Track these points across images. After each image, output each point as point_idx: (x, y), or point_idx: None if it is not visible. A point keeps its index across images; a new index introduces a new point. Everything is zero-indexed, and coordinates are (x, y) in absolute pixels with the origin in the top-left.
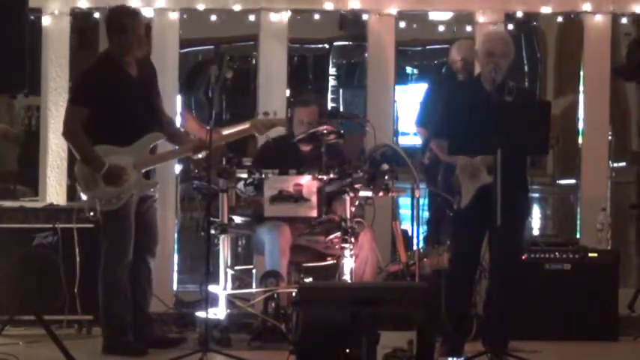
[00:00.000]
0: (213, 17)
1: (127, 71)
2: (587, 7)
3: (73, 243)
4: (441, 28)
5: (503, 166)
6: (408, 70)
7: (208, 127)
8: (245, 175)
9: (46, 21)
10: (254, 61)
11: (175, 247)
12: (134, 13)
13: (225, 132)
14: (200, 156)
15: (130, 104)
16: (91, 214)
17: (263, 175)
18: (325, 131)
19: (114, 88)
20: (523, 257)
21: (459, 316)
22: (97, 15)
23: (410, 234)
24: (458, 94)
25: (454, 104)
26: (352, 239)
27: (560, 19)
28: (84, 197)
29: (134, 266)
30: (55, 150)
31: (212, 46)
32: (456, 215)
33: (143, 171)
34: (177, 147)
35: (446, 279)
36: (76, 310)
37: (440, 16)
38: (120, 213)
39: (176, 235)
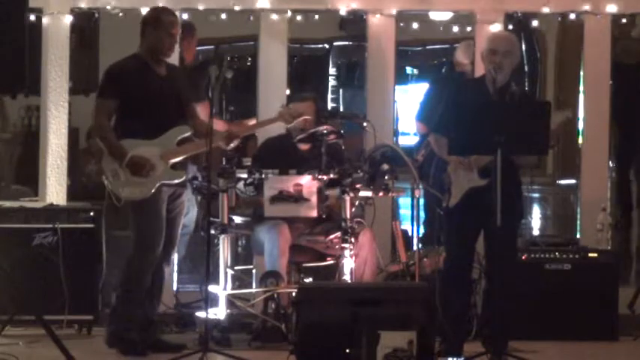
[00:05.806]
0: (213, 17)
1: (154, 69)
2: (587, 7)
3: (72, 243)
4: (441, 28)
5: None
6: (408, 70)
7: (230, 122)
8: (245, 175)
9: (46, 21)
10: (254, 61)
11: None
12: (172, 14)
13: (251, 123)
14: (232, 145)
15: (155, 100)
16: (117, 204)
17: (263, 175)
18: (325, 131)
19: (139, 82)
20: (523, 257)
21: (456, 316)
22: (97, 15)
23: (410, 234)
24: (460, 93)
25: (456, 102)
26: (352, 239)
27: (560, 19)
28: (110, 187)
29: None
30: (55, 150)
31: (212, 46)
32: (446, 214)
33: (171, 162)
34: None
35: (441, 279)
36: (76, 310)
37: (440, 16)
38: (146, 204)
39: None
